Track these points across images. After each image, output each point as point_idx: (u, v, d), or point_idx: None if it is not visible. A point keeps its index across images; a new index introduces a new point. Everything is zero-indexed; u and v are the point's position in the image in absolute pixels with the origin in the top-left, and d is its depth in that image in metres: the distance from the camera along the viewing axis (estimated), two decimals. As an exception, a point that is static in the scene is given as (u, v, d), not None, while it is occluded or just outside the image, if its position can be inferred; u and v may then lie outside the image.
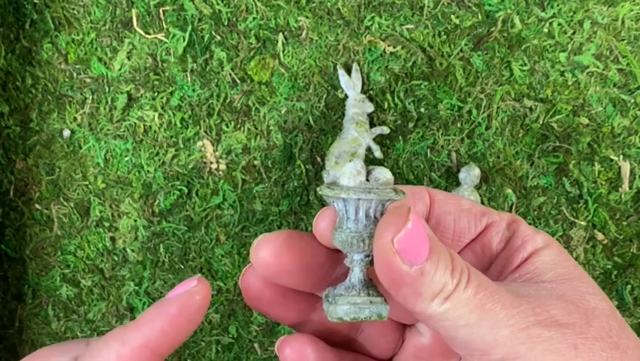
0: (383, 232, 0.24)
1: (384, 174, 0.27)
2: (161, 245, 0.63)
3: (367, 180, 0.27)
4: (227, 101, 0.61)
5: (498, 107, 0.58)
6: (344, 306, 0.27)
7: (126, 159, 0.62)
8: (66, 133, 0.62)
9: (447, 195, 0.30)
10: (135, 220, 0.63)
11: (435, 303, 0.24)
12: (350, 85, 0.58)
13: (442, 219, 0.30)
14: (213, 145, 0.61)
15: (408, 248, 0.24)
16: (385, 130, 0.59)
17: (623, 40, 0.57)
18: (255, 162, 0.61)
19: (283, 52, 0.60)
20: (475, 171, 0.57)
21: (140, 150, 0.62)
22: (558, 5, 0.57)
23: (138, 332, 0.27)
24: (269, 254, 0.28)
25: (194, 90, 0.61)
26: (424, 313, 0.25)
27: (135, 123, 0.62)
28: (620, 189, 0.58)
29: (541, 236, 0.29)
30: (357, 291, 0.27)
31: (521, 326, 0.24)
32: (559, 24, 0.57)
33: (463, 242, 0.30)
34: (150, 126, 0.62)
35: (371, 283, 0.28)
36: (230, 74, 0.60)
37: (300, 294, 0.30)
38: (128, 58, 0.61)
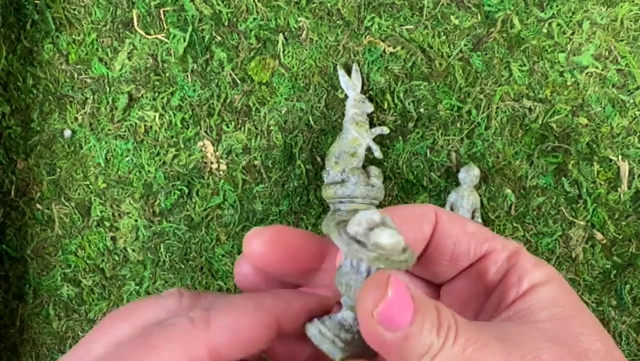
0: (362, 303, 0.24)
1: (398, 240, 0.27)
2: (161, 245, 0.63)
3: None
4: (228, 101, 0.61)
5: (497, 108, 0.59)
6: (338, 345, 0.27)
7: (127, 159, 0.62)
8: (67, 133, 0.63)
9: (452, 217, 0.30)
10: (136, 220, 0.63)
11: None
12: (350, 85, 0.58)
13: (441, 241, 0.30)
14: (214, 145, 0.61)
15: (389, 317, 0.24)
16: (385, 130, 0.59)
17: (622, 40, 0.57)
18: (256, 162, 0.61)
19: (283, 52, 0.60)
20: (475, 171, 0.57)
21: (140, 150, 0.62)
22: (557, 6, 0.57)
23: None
24: (259, 245, 0.29)
25: (194, 90, 0.61)
26: None
27: (136, 123, 0.62)
28: (619, 189, 0.58)
29: (542, 271, 0.28)
30: (352, 333, 0.28)
31: None
32: (558, 24, 0.57)
33: (460, 265, 0.30)
34: (151, 126, 0.62)
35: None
36: (230, 75, 0.61)
37: (286, 285, 0.31)
38: (129, 58, 0.61)
